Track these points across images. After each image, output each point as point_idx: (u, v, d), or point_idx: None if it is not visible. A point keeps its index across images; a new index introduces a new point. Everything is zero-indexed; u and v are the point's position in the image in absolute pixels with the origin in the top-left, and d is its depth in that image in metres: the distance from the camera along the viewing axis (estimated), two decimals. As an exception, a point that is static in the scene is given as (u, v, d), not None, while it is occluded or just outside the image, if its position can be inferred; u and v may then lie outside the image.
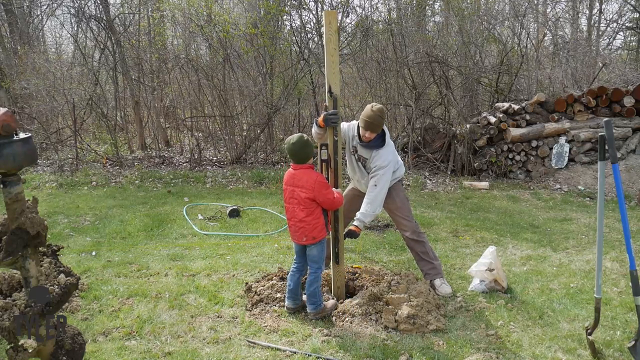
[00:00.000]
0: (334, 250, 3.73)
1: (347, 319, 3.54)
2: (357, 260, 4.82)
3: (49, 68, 9.98)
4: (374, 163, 3.80)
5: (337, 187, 3.61)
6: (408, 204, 4.17)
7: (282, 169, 9.24)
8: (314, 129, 3.71)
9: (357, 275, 4.18)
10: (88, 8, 10.76)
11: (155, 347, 3.20)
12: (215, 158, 10.26)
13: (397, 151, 4.36)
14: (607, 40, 14.40)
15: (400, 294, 3.66)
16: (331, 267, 3.89)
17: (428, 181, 8.43)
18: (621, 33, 14.78)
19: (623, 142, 8.24)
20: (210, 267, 4.60)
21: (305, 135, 3.49)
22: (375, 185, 3.78)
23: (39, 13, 13.00)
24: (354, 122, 3.92)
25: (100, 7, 10.43)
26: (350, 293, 4.02)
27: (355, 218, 3.83)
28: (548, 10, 13.29)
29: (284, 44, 9.65)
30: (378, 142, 3.78)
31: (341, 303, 3.77)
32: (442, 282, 4.05)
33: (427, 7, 11.27)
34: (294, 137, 3.44)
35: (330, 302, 3.68)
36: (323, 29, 9.52)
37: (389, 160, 3.77)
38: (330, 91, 3.41)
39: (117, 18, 10.91)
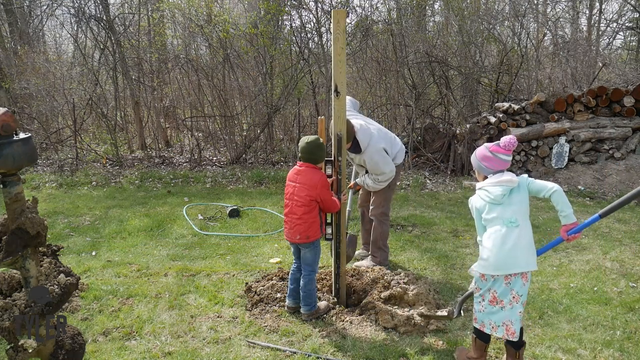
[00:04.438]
0: (335, 250, 3.73)
1: (346, 319, 3.54)
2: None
3: (49, 68, 9.98)
4: (363, 151, 4.11)
5: (339, 192, 3.61)
6: (389, 194, 4.44)
7: (282, 169, 9.24)
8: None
9: (357, 275, 4.19)
10: (88, 8, 10.76)
11: (155, 347, 3.20)
12: (215, 158, 10.26)
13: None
14: (607, 40, 14.39)
15: (401, 294, 3.66)
16: (332, 268, 3.89)
17: (428, 181, 8.43)
18: (621, 33, 14.77)
19: (623, 142, 8.24)
20: (210, 267, 4.60)
21: (321, 138, 3.52)
22: (370, 161, 4.12)
23: (39, 13, 12.99)
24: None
25: (100, 7, 10.42)
26: (350, 293, 4.02)
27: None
28: (548, 10, 13.29)
29: (284, 44, 9.65)
30: (355, 145, 4.11)
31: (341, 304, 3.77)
32: (371, 264, 4.46)
33: (427, 7, 11.26)
34: (311, 137, 3.47)
35: (323, 303, 3.69)
36: (323, 29, 9.51)
37: (367, 142, 4.06)
38: (336, 90, 3.41)
39: (117, 18, 10.89)
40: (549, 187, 2.67)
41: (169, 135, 11.83)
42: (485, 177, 2.85)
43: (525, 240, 2.68)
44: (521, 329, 2.80)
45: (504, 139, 2.78)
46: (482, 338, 2.89)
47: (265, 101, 9.51)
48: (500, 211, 2.71)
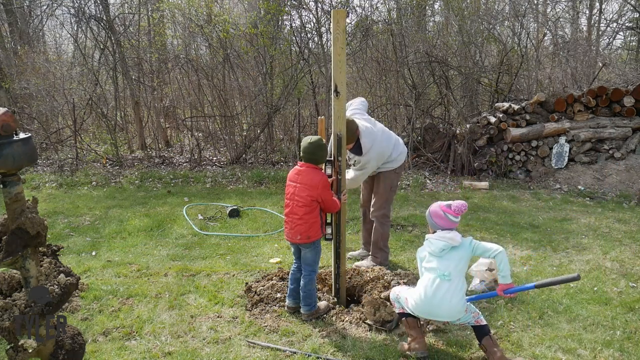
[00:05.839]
0: (335, 250, 3.73)
1: (346, 319, 3.54)
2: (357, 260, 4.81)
3: (49, 68, 9.97)
4: (363, 155, 4.19)
5: (339, 191, 3.61)
6: (389, 195, 4.44)
7: (282, 169, 9.24)
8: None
9: (356, 275, 4.19)
10: (88, 8, 10.76)
11: (155, 347, 3.21)
12: (215, 158, 10.26)
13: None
14: (607, 40, 14.39)
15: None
16: (332, 268, 3.89)
17: (428, 181, 8.43)
18: (621, 33, 14.77)
19: (623, 142, 8.24)
20: (210, 267, 4.60)
21: (324, 139, 3.52)
22: (365, 163, 4.22)
23: (39, 13, 12.99)
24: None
25: (100, 7, 10.41)
26: (350, 294, 4.02)
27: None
28: (548, 10, 13.29)
29: (284, 44, 9.65)
30: (357, 147, 4.16)
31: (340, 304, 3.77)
32: (371, 264, 4.45)
33: (427, 7, 11.26)
34: (314, 137, 3.48)
35: (323, 303, 3.69)
36: (323, 29, 9.51)
37: (369, 147, 4.12)
38: (336, 90, 3.41)
39: (117, 18, 10.89)
40: (494, 248, 2.95)
41: (169, 135, 11.83)
42: (435, 232, 3.11)
43: (452, 295, 2.89)
44: (483, 327, 3.01)
45: (455, 204, 3.09)
46: (408, 315, 3.12)
47: (265, 101, 9.51)
48: (437, 263, 2.97)
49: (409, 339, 3.12)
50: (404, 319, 3.15)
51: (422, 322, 3.23)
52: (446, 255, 2.97)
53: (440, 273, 2.93)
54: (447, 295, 2.89)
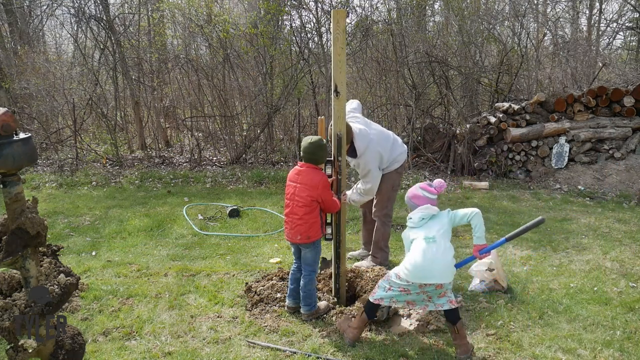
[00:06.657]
0: (335, 250, 3.73)
1: (347, 319, 3.54)
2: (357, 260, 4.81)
3: (49, 68, 9.97)
4: (359, 157, 4.17)
5: (339, 192, 3.61)
6: (392, 195, 4.49)
7: (282, 169, 9.24)
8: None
9: (357, 275, 4.19)
10: (88, 8, 10.75)
11: (155, 347, 3.21)
12: (215, 158, 10.26)
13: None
14: (607, 40, 14.39)
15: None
16: (332, 268, 3.89)
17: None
18: (621, 33, 14.76)
19: (623, 142, 8.24)
20: (210, 267, 4.60)
21: (325, 140, 3.52)
22: (364, 166, 4.20)
23: (39, 13, 12.98)
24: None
25: (100, 7, 10.41)
26: (349, 293, 4.02)
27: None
28: (548, 10, 13.29)
29: (284, 44, 9.65)
30: (352, 149, 4.15)
31: (340, 304, 3.76)
32: (371, 264, 4.46)
33: (427, 7, 11.26)
34: (314, 137, 3.48)
35: (323, 303, 3.69)
36: (323, 29, 9.51)
37: (363, 148, 4.10)
38: (336, 90, 3.41)
39: (117, 18, 10.89)
40: (469, 212, 3.09)
41: (169, 135, 11.83)
42: None
43: (442, 256, 2.98)
44: (457, 310, 3.08)
45: (437, 182, 3.27)
46: (369, 314, 3.20)
47: (265, 101, 9.51)
48: (419, 232, 3.09)
49: (352, 320, 3.28)
50: (362, 310, 3.22)
51: (371, 322, 3.35)
52: (426, 224, 3.11)
53: (426, 238, 3.03)
54: (437, 255, 2.96)
